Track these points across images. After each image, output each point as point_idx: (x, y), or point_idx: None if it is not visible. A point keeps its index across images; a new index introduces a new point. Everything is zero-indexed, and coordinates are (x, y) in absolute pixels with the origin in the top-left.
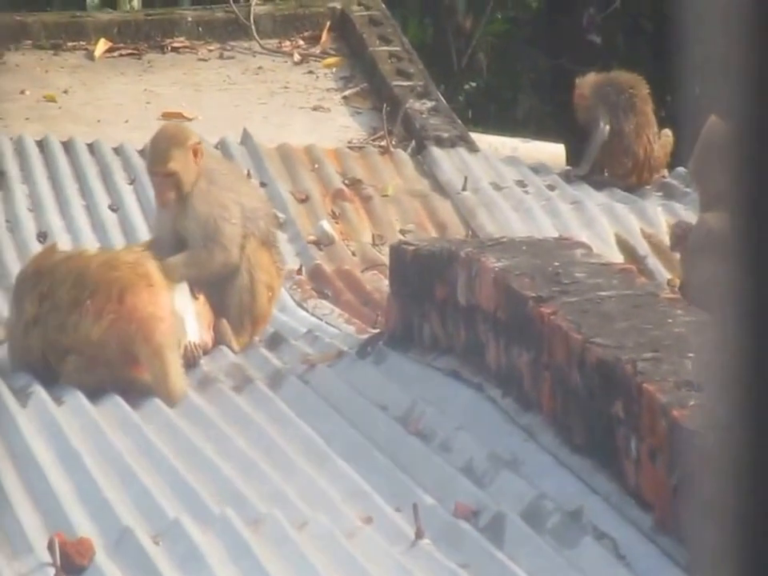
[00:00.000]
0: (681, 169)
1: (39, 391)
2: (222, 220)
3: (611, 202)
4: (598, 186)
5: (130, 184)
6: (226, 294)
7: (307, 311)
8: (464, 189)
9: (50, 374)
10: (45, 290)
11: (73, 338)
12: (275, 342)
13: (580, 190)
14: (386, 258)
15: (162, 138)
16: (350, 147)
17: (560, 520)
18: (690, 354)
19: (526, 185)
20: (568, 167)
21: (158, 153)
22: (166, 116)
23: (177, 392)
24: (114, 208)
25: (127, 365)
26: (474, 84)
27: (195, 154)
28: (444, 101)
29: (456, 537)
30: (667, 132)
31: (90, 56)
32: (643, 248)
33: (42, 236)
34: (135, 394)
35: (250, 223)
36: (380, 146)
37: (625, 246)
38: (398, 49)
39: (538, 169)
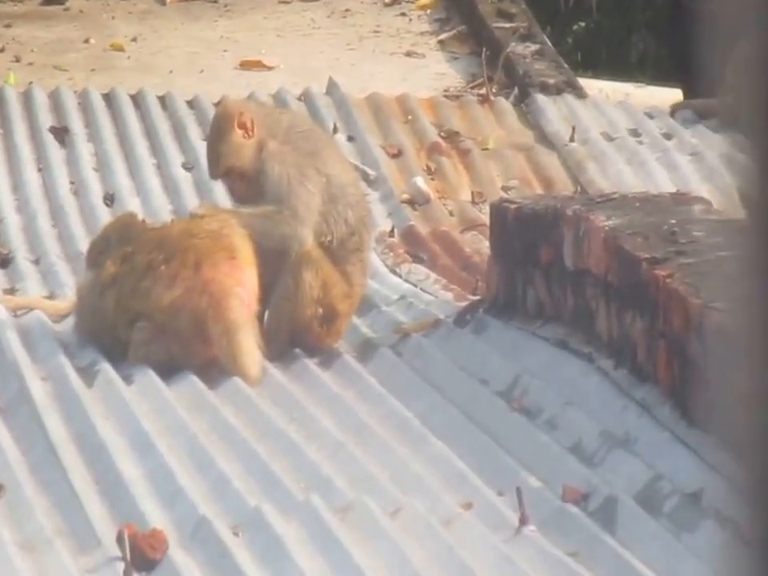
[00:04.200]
0: None
1: (107, 369)
2: (297, 183)
3: (734, 152)
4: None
5: (205, 140)
6: (271, 282)
7: (400, 277)
8: (572, 140)
9: (119, 347)
10: (128, 251)
11: (144, 303)
12: (365, 309)
13: (700, 139)
14: (486, 218)
15: (209, 134)
16: (446, 96)
17: (678, 503)
18: None
19: (640, 134)
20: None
21: (209, 155)
22: (245, 65)
23: (249, 374)
24: (188, 167)
25: (197, 339)
26: (582, 24)
27: (244, 127)
28: (549, 43)
29: (564, 523)
30: None
31: (162, 1)
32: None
33: (109, 198)
34: (209, 371)
35: (337, 204)
36: (479, 95)
37: (749, 200)
38: None
39: (654, 116)
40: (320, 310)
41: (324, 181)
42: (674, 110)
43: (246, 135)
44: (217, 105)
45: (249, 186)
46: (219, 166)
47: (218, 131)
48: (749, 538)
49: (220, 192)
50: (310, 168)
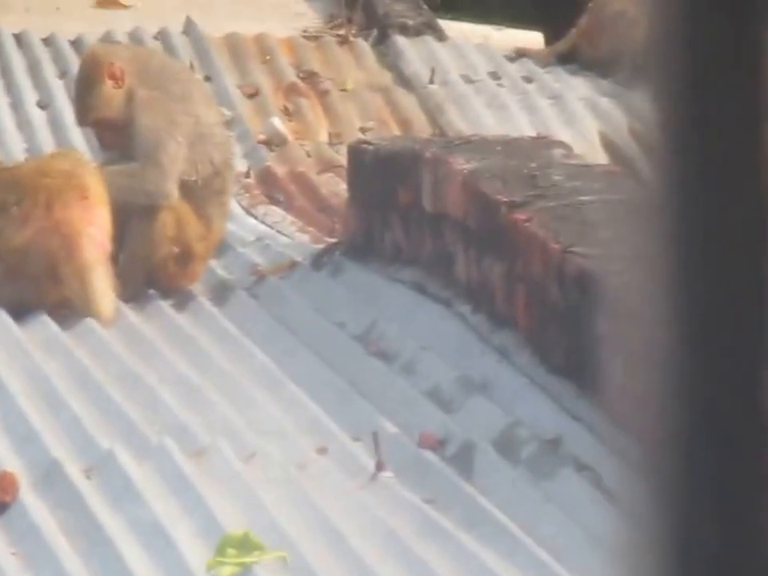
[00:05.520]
0: None
1: None
2: (166, 134)
3: (595, 96)
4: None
5: (61, 78)
6: (125, 221)
7: (256, 218)
8: (431, 82)
9: None
10: None
11: None
12: (221, 251)
13: (560, 83)
14: (343, 159)
15: (77, 81)
16: (304, 36)
17: (536, 449)
18: None
19: (500, 77)
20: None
21: (77, 104)
22: (101, 3)
23: (103, 315)
24: (42, 105)
25: (49, 280)
26: None
27: (114, 77)
28: None
29: (420, 469)
30: None
31: None
32: (631, 148)
33: None
34: (63, 312)
35: (205, 144)
36: (338, 35)
37: (610, 146)
38: None
39: (514, 59)
40: (175, 250)
41: (192, 121)
42: (527, 54)
43: (115, 85)
44: (73, 43)
45: (118, 134)
46: (88, 117)
47: (87, 81)
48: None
49: (75, 131)
50: (179, 113)
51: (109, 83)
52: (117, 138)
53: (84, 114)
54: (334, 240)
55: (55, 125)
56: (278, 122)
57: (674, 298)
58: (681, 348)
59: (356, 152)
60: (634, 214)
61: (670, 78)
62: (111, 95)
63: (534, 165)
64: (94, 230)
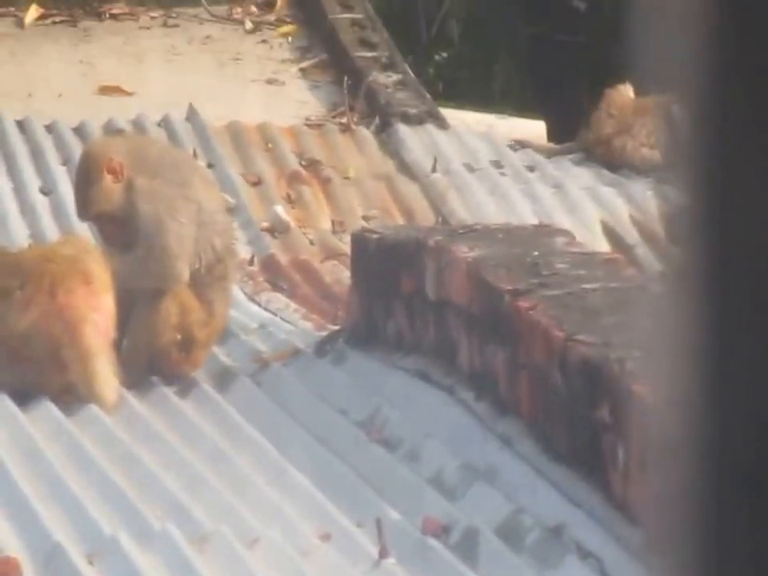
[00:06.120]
0: None
1: None
2: (168, 218)
3: (597, 185)
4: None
5: (64, 165)
6: (129, 308)
7: (260, 305)
8: (434, 170)
9: None
10: None
11: None
12: (224, 338)
13: (562, 171)
14: (346, 248)
15: (77, 177)
16: (307, 125)
17: (540, 537)
18: None
19: (503, 165)
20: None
21: (78, 199)
22: (103, 90)
23: (106, 401)
24: (45, 191)
25: (53, 365)
26: (444, 55)
27: (113, 171)
28: (411, 73)
29: (424, 555)
30: None
31: (20, 23)
32: (632, 236)
33: None
34: (66, 398)
35: (206, 230)
36: (341, 124)
37: (612, 235)
38: (360, 16)
39: (516, 148)
40: (178, 337)
41: (195, 207)
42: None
43: (115, 179)
44: (76, 130)
45: (120, 228)
46: (89, 212)
47: (87, 176)
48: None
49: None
50: (179, 199)
51: (108, 178)
52: (119, 231)
53: (85, 209)
54: (336, 327)
55: (58, 211)
56: (281, 210)
57: (684, 382)
58: (693, 430)
59: (359, 240)
60: (637, 300)
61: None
62: (111, 189)
63: (536, 253)
64: (97, 316)
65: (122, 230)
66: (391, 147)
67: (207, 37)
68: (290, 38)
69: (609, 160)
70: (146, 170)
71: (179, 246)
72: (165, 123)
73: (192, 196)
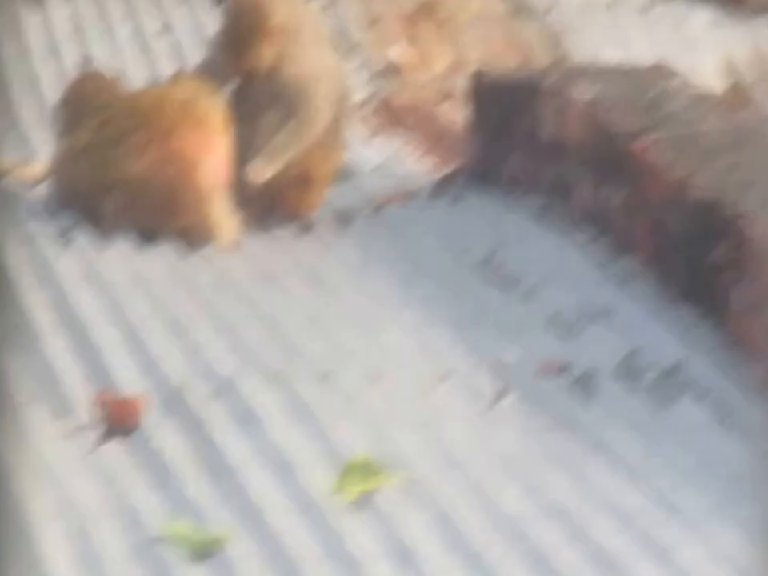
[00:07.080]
0: None
1: (82, 235)
2: (316, 80)
3: (717, 24)
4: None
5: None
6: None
7: (375, 148)
8: (550, 11)
9: (94, 215)
10: (101, 120)
11: (116, 172)
12: (339, 180)
13: (681, 11)
14: (463, 90)
15: (233, 28)
16: None
17: (656, 376)
18: None
19: (620, 5)
20: None
21: (230, 51)
22: None
23: (222, 243)
24: (164, 31)
25: (169, 208)
26: None
27: (270, 33)
28: None
29: (540, 395)
30: None
31: None
32: (751, 76)
33: (84, 64)
34: (183, 241)
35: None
36: None
37: (730, 74)
38: None
39: None
40: (295, 173)
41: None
42: None
43: (271, 40)
44: None
45: (254, 85)
46: (239, 66)
47: (256, 27)
48: None
49: (197, 57)
50: (318, 59)
51: (267, 36)
52: (252, 88)
53: (236, 63)
54: (453, 169)
55: (177, 51)
56: (398, 51)
57: None
58: None
59: (476, 82)
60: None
61: None
62: (268, 49)
63: (652, 94)
64: (212, 159)
65: (255, 88)
66: None
67: None
68: None
69: None
70: (296, 34)
71: (324, 101)
72: None
73: (324, 59)
